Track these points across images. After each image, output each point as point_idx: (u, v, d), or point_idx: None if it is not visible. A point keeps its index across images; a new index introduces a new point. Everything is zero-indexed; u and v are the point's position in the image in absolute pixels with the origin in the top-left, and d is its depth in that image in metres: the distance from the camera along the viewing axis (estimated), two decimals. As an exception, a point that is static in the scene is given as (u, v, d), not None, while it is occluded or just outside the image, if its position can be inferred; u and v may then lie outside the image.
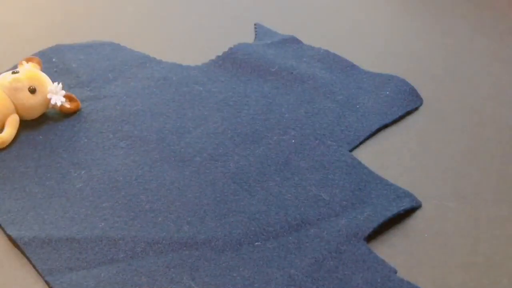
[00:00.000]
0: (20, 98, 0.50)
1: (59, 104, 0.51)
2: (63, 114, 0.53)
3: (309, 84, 0.57)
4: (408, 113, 0.55)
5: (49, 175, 0.46)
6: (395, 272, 0.40)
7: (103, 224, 0.42)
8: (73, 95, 0.53)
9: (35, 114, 0.51)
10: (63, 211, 0.43)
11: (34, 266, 0.40)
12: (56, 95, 0.51)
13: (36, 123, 0.51)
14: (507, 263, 0.41)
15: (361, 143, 0.51)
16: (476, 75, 0.61)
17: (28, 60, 0.54)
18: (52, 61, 0.59)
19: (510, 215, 0.45)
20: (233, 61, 0.60)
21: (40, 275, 0.39)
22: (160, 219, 0.43)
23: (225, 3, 0.73)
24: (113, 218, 0.43)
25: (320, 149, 0.50)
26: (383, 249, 0.42)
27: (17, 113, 0.50)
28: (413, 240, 0.43)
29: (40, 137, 0.50)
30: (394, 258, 0.41)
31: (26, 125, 0.51)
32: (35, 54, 0.60)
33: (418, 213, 0.45)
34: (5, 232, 0.42)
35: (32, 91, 0.50)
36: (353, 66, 0.60)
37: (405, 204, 0.45)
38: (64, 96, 0.52)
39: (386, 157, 0.50)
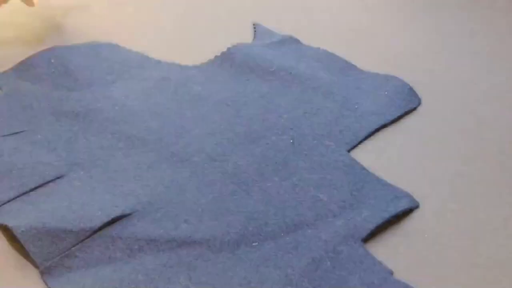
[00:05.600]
0: None
1: None
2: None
3: (307, 84, 0.57)
4: (406, 113, 0.55)
5: (47, 172, 0.46)
6: (391, 273, 0.40)
7: (100, 213, 0.42)
8: None
9: None
10: (60, 201, 0.43)
11: (33, 265, 0.40)
12: None
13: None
14: (507, 263, 0.41)
15: (359, 143, 0.51)
16: (475, 75, 0.61)
17: None
18: (51, 62, 0.59)
19: (510, 215, 0.45)
20: (231, 61, 0.60)
21: (40, 274, 0.39)
22: (158, 215, 0.43)
23: (223, 3, 0.73)
24: (111, 207, 0.43)
25: (318, 149, 0.50)
26: (382, 250, 0.42)
27: None
28: (413, 241, 0.43)
29: (39, 136, 0.50)
30: (393, 259, 0.41)
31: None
32: (33, 55, 0.60)
33: (418, 214, 0.45)
34: (0, 227, 0.42)
35: None
36: (351, 67, 0.60)
37: (403, 205, 0.45)
38: None
39: (385, 158, 0.50)
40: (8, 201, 0.44)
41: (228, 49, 0.62)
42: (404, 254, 0.42)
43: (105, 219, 0.42)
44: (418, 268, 0.41)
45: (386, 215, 0.43)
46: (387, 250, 0.42)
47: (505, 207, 0.46)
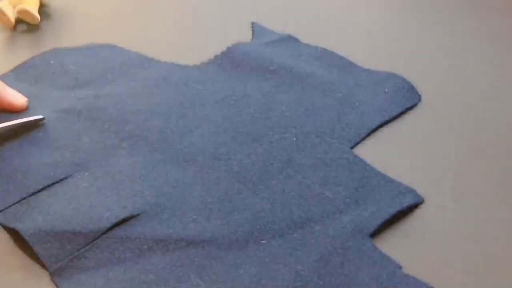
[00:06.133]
0: None
1: None
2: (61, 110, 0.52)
3: (308, 82, 0.57)
4: (407, 110, 0.56)
5: (52, 174, 0.46)
6: (400, 268, 0.40)
7: (108, 214, 0.42)
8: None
9: None
10: (67, 202, 0.43)
11: (42, 267, 0.40)
12: None
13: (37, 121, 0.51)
14: (508, 263, 0.42)
15: (361, 140, 0.52)
16: (475, 74, 0.61)
17: None
18: (50, 63, 0.59)
19: (510, 215, 0.45)
20: (231, 60, 0.60)
21: (50, 276, 0.39)
22: (166, 215, 0.43)
23: (221, 3, 0.73)
24: (119, 208, 0.43)
25: (321, 146, 0.50)
26: (387, 246, 0.42)
27: None
28: (413, 240, 0.43)
29: (41, 134, 0.50)
30: (398, 255, 0.41)
31: (26, 123, 0.50)
32: (32, 58, 0.60)
33: (418, 213, 0.45)
34: (6, 228, 0.42)
35: None
36: (351, 64, 0.60)
37: (408, 200, 0.45)
38: None
39: (386, 155, 0.50)
40: (14, 204, 0.44)
41: (228, 48, 0.62)
42: (404, 253, 0.42)
43: (113, 220, 0.42)
44: (419, 268, 0.41)
45: (392, 210, 0.44)
46: (388, 249, 0.42)
47: (505, 208, 0.46)
